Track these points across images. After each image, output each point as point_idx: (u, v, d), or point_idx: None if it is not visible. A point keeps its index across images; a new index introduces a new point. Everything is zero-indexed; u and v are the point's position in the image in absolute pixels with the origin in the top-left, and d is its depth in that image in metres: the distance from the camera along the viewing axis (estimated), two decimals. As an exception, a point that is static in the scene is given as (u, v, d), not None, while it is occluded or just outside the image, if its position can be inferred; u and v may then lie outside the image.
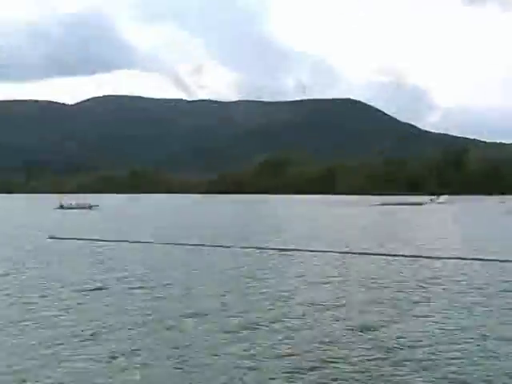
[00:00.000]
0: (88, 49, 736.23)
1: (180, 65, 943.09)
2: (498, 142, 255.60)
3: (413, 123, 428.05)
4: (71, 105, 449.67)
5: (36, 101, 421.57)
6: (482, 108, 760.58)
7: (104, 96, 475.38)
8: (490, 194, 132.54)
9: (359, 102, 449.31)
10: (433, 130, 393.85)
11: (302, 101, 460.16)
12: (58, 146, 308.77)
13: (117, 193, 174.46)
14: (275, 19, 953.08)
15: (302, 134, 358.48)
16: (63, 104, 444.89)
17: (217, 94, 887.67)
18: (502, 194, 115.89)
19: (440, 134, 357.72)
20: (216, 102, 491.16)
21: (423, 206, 70.54)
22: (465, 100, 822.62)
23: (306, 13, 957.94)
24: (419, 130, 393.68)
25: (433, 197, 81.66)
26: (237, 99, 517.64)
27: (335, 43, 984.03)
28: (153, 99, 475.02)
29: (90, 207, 61.56)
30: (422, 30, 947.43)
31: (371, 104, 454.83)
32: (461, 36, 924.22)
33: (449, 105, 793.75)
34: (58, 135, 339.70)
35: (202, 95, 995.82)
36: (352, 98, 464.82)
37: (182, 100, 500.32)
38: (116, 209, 67.83)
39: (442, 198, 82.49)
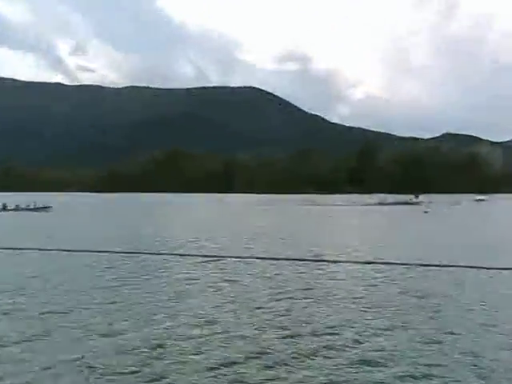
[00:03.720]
0: None
1: (59, 43, 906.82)
2: (411, 136, 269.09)
3: (321, 115, 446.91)
4: None
5: None
6: (396, 100, 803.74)
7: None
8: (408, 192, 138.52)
9: (263, 90, 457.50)
10: (342, 123, 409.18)
11: (200, 88, 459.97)
12: None
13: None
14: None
15: (200, 126, 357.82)
16: None
17: (102, 78, 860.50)
18: (424, 192, 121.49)
19: (350, 127, 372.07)
20: (101, 87, 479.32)
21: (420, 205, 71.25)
22: (377, 91, 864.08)
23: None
24: (328, 122, 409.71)
25: (411, 196, 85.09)
26: (125, 85, 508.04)
27: (238, 27, 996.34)
28: (25, 82, 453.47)
29: (43, 208, 57.87)
30: (330, 11, 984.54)
31: (276, 93, 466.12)
32: (375, 19, 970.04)
33: (359, 96, 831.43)
34: None
35: (84, 79, 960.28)
36: (255, 86, 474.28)
37: (60, 85, 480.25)
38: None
39: (421, 197, 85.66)
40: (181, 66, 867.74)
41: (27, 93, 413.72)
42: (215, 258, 17.79)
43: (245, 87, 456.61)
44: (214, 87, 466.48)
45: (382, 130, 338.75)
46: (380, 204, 73.74)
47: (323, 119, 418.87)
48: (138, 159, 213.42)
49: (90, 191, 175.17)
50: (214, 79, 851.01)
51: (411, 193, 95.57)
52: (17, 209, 56.43)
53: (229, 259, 17.39)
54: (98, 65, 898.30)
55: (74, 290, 12.44)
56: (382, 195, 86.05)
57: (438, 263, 15.89)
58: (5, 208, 55.85)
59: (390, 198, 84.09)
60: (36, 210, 56.68)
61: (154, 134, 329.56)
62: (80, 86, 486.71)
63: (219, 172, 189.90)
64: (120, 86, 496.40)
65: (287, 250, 20.39)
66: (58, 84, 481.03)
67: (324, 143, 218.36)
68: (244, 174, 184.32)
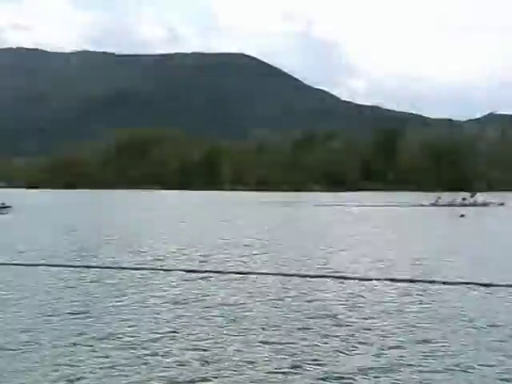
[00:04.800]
0: None
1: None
2: (445, 118, 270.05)
3: (328, 90, 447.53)
4: None
5: None
6: (425, 73, 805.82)
7: None
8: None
9: (255, 58, 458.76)
10: (356, 101, 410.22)
11: (173, 55, 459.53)
12: None
13: None
14: None
15: (173, 102, 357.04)
16: None
17: (42, 39, 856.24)
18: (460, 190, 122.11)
19: (366, 106, 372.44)
20: (42, 51, 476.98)
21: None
22: (401, 61, 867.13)
23: None
24: (337, 99, 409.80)
25: (465, 195, 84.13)
26: (74, 49, 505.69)
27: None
28: None
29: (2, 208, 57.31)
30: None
31: (271, 62, 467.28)
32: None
33: (377, 69, 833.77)
34: None
35: (16, 40, 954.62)
36: (245, 52, 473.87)
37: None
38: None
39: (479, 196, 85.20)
40: (149, 26, 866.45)
41: None
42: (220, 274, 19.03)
43: (232, 54, 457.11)
44: (191, 54, 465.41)
45: (407, 110, 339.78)
46: (435, 205, 75.24)
47: (332, 96, 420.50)
48: (92, 145, 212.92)
49: (28, 187, 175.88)
50: (192, 44, 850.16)
51: (455, 190, 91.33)
52: None
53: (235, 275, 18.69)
54: (37, 22, 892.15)
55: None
56: (436, 194, 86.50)
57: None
58: None
59: (445, 197, 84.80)
60: None
61: (114, 112, 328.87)
62: (12, 49, 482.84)
63: (200, 162, 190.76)
64: (67, 51, 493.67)
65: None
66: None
67: (333, 127, 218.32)
68: (232, 166, 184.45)
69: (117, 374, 9.28)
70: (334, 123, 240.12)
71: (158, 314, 13.33)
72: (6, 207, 57.72)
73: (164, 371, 9.36)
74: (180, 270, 19.60)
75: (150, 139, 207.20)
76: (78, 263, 21.47)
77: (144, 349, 10.54)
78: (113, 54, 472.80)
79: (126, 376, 9.15)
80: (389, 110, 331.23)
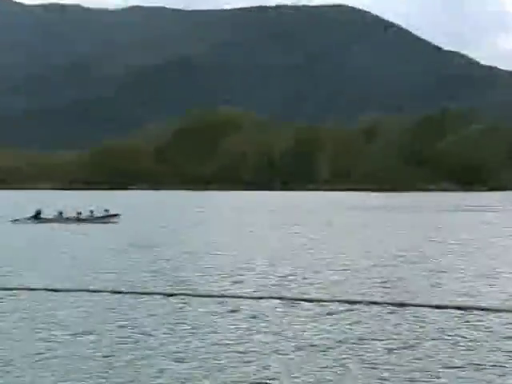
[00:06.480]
0: None
1: None
2: None
3: (466, 53, 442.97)
4: None
5: None
6: None
7: None
8: None
9: (362, 11, 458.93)
10: (500, 66, 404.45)
11: (256, 10, 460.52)
12: None
13: None
14: None
15: (259, 70, 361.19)
16: None
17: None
18: None
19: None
20: (85, 9, 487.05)
21: None
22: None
23: None
24: (479, 66, 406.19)
25: None
26: (127, 4, 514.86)
27: None
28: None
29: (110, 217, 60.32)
30: None
31: (385, 16, 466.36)
32: None
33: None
34: None
35: None
36: (349, 4, 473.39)
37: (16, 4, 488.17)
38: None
39: None
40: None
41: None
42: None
43: (333, 6, 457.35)
44: (281, 6, 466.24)
45: None
46: None
47: (468, 60, 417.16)
48: (142, 134, 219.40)
49: (73, 188, 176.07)
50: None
51: None
52: (78, 218, 58.84)
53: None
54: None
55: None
56: None
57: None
58: (38, 216, 57.71)
59: None
60: (100, 220, 58.99)
61: (178, 85, 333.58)
62: (46, 5, 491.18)
63: (289, 154, 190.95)
64: (116, 7, 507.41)
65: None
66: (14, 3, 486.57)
67: (468, 101, 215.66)
68: (332, 158, 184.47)
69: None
70: (470, 97, 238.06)
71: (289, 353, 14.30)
72: (113, 215, 60.07)
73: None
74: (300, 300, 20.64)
75: (226, 121, 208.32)
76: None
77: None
78: (171, 9, 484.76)
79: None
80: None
